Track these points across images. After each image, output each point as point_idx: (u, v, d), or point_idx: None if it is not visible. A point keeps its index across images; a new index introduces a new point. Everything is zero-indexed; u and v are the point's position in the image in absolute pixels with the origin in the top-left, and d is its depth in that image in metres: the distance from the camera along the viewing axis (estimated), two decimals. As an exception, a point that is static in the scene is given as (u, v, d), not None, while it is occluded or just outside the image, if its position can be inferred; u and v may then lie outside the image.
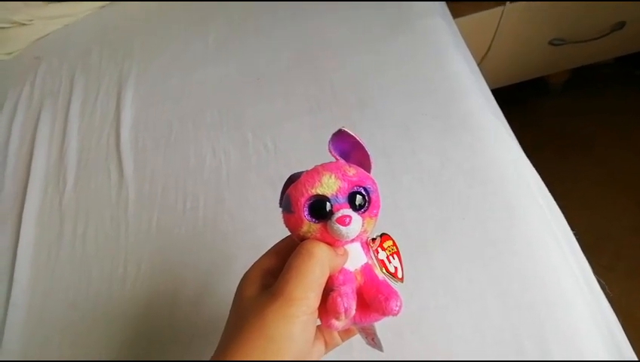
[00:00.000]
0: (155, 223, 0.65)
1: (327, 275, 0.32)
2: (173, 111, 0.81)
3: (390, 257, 0.36)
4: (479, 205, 0.55)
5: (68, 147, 0.81)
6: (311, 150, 0.67)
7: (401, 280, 0.36)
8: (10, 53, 1.14)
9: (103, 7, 1.13)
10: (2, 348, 0.57)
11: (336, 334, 0.39)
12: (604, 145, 1.32)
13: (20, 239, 0.68)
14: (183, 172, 0.70)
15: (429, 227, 0.54)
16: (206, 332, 0.54)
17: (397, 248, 0.38)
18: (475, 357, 0.45)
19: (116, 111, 0.85)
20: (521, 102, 1.37)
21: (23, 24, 1.11)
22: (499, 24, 1.06)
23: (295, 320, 0.29)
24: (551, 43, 1.13)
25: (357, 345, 0.43)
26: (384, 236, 0.37)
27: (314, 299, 0.30)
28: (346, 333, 0.39)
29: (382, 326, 0.36)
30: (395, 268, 0.36)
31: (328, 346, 0.38)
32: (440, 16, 0.81)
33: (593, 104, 1.38)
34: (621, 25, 1.11)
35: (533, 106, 1.39)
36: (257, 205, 0.63)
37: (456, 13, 0.98)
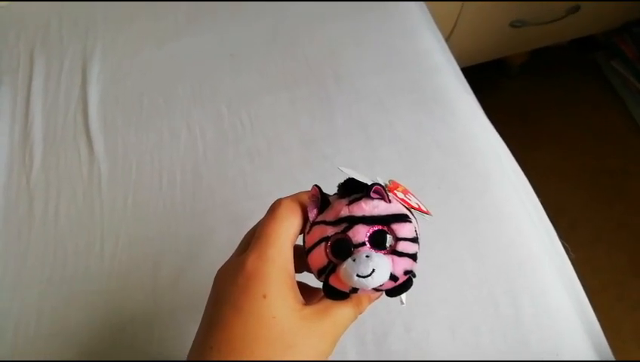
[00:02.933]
0: (130, 200, 0.64)
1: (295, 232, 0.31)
2: (143, 85, 0.79)
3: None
4: (454, 175, 0.57)
5: (32, 125, 0.78)
6: (287, 124, 0.67)
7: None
8: (-40, 27, 1.08)
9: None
10: (-25, 327, 0.56)
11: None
12: (560, 121, 1.39)
13: (-13, 219, 0.66)
14: (157, 148, 0.69)
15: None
16: (189, 304, 0.54)
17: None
18: (455, 316, 0.47)
19: (82, 88, 0.83)
20: (484, 82, 1.42)
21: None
22: (462, 5, 1.09)
23: (269, 260, 0.29)
24: (512, 25, 1.18)
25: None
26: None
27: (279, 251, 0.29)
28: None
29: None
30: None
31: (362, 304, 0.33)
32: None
33: (549, 84, 1.45)
34: (576, 8, 1.17)
35: (494, 86, 1.45)
36: (236, 180, 0.63)
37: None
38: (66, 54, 0.91)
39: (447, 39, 1.16)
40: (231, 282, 0.28)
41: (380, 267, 0.28)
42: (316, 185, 0.31)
